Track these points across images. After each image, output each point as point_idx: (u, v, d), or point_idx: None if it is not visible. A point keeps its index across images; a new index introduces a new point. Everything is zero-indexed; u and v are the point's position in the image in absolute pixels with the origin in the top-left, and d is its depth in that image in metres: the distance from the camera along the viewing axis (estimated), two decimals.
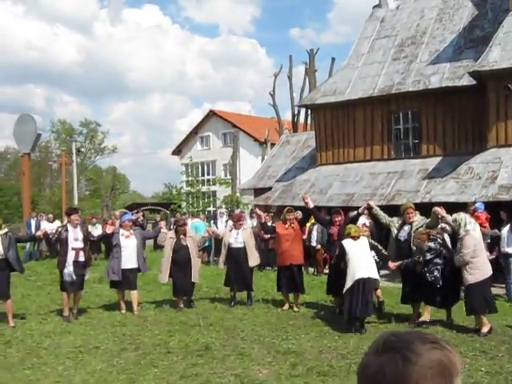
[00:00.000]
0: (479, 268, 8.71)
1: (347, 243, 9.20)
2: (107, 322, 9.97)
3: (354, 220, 10.59)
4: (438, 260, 9.07)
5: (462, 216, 8.98)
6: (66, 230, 10.31)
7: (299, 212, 11.36)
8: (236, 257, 11.47)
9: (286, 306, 10.99)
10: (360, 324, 8.96)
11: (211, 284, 14.07)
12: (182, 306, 11.20)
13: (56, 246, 11.55)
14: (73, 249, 10.18)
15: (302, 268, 11.57)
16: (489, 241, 12.31)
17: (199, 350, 7.96)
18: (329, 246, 10.68)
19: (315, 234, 15.72)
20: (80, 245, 10.34)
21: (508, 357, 7.50)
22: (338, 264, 9.47)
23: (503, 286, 12.94)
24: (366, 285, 8.91)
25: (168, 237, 11.77)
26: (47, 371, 7.14)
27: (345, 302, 9.05)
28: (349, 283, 8.95)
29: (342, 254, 9.20)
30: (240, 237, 11.58)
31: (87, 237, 10.78)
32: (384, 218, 10.08)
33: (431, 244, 9.16)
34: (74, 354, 7.86)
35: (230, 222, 13.22)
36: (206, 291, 13.10)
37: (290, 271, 10.85)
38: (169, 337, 8.77)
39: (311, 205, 10.60)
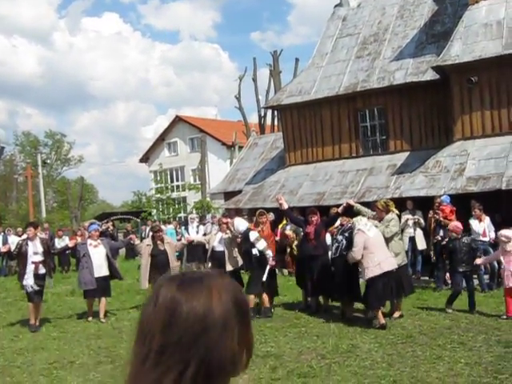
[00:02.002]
0: (373, 265, 8.97)
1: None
2: (81, 335, 9.74)
3: (333, 220, 10.55)
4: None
5: (358, 218, 9.52)
6: (27, 244, 10.56)
7: (271, 214, 11.28)
8: (219, 260, 11.49)
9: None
10: None
11: None
12: None
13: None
14: (32, 262, 10.43)
15: (276, 270, 11.52)
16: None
17: None
18: (303, 245, 10.56)
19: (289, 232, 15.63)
20: (39, 258, 10.59)
21: (486, 347, 7.53)
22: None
23: (475, 276, 13.07)
24: None
25: (145, 244, 11.95)
26: None
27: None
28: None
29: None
30: (223, 240, 11.68)
31: (48, 250, 10.91)
32: (367, 213, 10.06)
33: (339, 237, 9.85)
34: (48, 371, 7.64)
35: (216, 226, 13.28)
36: None
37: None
38: None
39: (285, 206, 10.50)
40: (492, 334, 8.20)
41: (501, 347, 7.46)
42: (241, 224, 11.11)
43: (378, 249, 9.08)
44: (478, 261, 10.14)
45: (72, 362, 7.99)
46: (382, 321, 8.87)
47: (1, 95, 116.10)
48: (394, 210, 10.08)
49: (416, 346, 7.74)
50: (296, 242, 10.33)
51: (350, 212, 10.11)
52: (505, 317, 9.06)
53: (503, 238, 9.57)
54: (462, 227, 10.39)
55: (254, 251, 10.39)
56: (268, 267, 10.29)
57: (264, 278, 10.26)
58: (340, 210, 10.21)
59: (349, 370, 6.87)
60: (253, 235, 10.43)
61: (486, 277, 12.30)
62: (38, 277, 10.45)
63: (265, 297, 10.41)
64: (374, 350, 7.69)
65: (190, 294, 1.11)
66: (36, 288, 10.35)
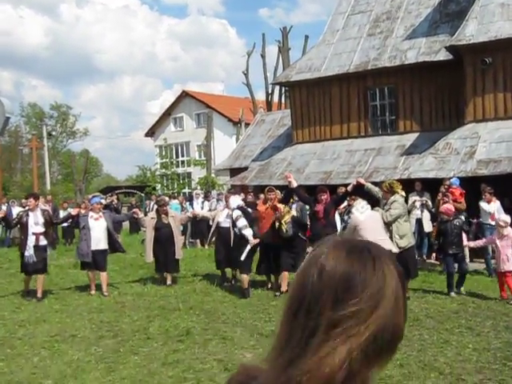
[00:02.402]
0: None
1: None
2: (84, 308, 9.64)
3: (343, 199, 10.36)
4: None
5: (357, 201, 9.77)
6: (27, 215, 10.57)
7: (278, 192, 11.09)
8: (223, 236, 11.39)
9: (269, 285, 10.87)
10: None
11: (189, 266, 13.83)
12: (168, 282, 11.60)
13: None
14: (33, 233, 10.44)
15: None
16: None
17: (180, 335, 7.71)
18: (312, 223, 10.39)
19: (294, 213, 15.46)
20: (40, 229, 10.55)
21: (494, 332, 7.41)
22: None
23: (483, 261, 12.94)
24: None
25: (149, 218, 12.11)
26: (22, 362, 6.81)
27: None
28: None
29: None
30: (229, 217, 11.48)
31: (49, 220, 10.90)
32: (377, 192, 9.87)
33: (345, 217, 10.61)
34: (49, 344, 7.54)
35: (222, 203, 13.22)
36: (184, 274, 12.83)
37: (272, 251, 10.56)
38: (148, 322, 8.50)
39: (294, 184, 10.28)
40: (500, 319, 8.07)
41: (509, 333, 7.34)
42: (234, 201, 11.13)
43: (367, 232, 8.90)
44: (471, 243, 10.30)
45: (74, 336, 7.90)
46: None
47: (7, 66, 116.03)
48: (400, 191, 9.85)
49: (423, 329, 7.61)
50: (286, 218, 10.10)
51: (360, 191, 9.92)
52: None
53: (501, 223, 9.61)
54: (453, 209, 10.31)
55: (236, 230, 10.52)
56: (248, 246, 10.25)
57: (242, 257, 10.24)
58: (349, 188, 9.97)
59: None
60: (235, 213, 10.54)
61: (494, 261, 12.15)
62: (38, 248, 10.43)
63: (245, 277, 10.34)
64: None
65: (363, 264, 1.03)
66: (35, 259, 10.32)
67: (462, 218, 10.84)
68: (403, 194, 10.04)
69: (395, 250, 9.30)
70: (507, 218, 9.75)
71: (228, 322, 8.40)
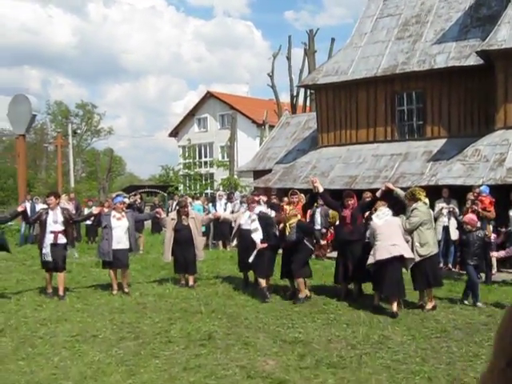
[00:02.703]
0: (375, 251, 9.11)
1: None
2: (105, 308, 9.57)
3: (371, 204, 10.09)
4: None
5: (380, 207, 9.61)
6: (47, 213, 10.61)
7: (302, 195, 10.93)
8: (245, 238, 11.24)
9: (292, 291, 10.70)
10: None
11: (211, 268, 13.73)
12: (183, 282, 11.60)
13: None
14: (51, 232, 10.45)
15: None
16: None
17: (202, 339, 7.59)
18: (339, 229, 10.18)
19: (318, 217, 15.33)
20: (59, 228, 10.52)
21: None
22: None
23: (511, 271, 12.66)
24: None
25: (170, 218, 12.10)
26: (42, 362, 6.74)
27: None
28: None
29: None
30: (251, 219, 11.41)
31: (69, 218, 10.91)
32: (406, 198, 9.68)
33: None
34: (70, 344, 7.47)
35: (244, 205, 13.34)
36: (206, 276, 12.74)
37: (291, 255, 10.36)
38: (169, 325, 8.39)
39: (321, 189, 10.10)
40: None
41: None
42: (258, 208, 11.23)
43: (383, 237, 9.06)
44: (494, 254, 10.10)
45: (95, 336, 7.82)
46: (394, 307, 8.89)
47: (35, 65, 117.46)
48: (422, 198, 9.61)
49: (451, 341, 7.39)
50: (292, 221, 9.96)
51: (389, 196, 9.72)
52: None
53: None
54: (477, 220, 10.14)
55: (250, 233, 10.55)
56: (255, 250, 10.24)
57: (250, 259, 10.24)
58: (378, 193, 9.77)
59: (380, 363, 6.56)
60: (251, 216, 10.69)
61: None
62: (57, 246, 10.44)
63: (260, 280, 10.31)
64: (406, 342, 7.36)
65: None
66: (51, 257, 10.36)
67: (485, 231, 10.56)
68: (426, 201, 9.78)
69: (416, 257, 9.15)
70: None
71: (251, 327, 8.26)
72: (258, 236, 10.28)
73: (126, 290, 10.97)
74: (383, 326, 8.21)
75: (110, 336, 7.85)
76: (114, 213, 11.23)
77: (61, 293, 10.52)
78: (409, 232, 9.36)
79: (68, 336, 7.84)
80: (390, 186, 9.79)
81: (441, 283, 9.79)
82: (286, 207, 10.24)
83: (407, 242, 9.30)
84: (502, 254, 10.07)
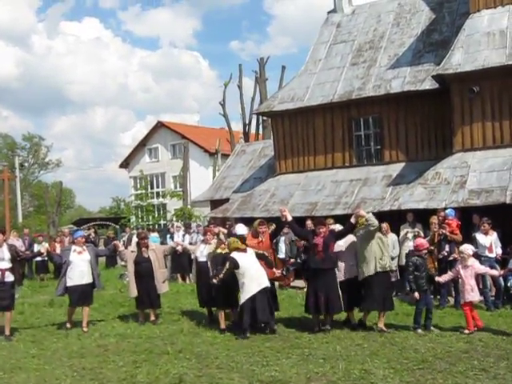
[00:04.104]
0: (340, 270, 9.77)
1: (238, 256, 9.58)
2: (63, 353, 8.85)
3: (347, 232, 9.77)
4: None
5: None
6: None
7: (273, 224, 10.55)
8: (203, 271, 10.80)
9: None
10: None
11: (172, 304, 13.12)
12: (141, 319, 11.11)
13: None
14: None
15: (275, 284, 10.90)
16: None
17: None
18: (310, 257, 9.73)
19: (283, 246, 14.98)
20: (6, 265, 10.06)
21: (511, 374, 6.89)
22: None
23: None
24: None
25: (129, 251, 11.72)
26: None
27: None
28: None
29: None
30: (205, 251, 11.05)
31: (16, 256, 10.43)
32: (374, 222, 9.52)
33: None
34: None
35: (201, 237, 12.66)
36: (167, 312, 12.13)
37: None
38: (135, 368, 7.77)
39: (289, 217, 9.79)
40: None
41: None
42: (240, 229, 10.77)
43: (342, 257, 9.80)
44: (440, 278, 10.06)
45: None
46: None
47: None
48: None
49: (435, 372, 7.04)
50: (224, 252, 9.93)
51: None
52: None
53: (465, 253, 9.67)
54: (427, 244, 10.23)
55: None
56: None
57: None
58: (353, 220, 9.55)
59: None
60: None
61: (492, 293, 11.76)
62: (4, 284, 9.98)
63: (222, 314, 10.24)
64: (389, 376, 6.97)
65: None
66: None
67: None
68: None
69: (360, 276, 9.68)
70: (467, 247, 9.83)
71: (222, 366, 7.72)
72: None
73: (85, 329, 10.47)
74: (362, 359, 7.81)
75: None
76: (74, 247, 10.86)
77: (7, 332, 9.99)
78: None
79: None
80: (363, 212, 9.62)
81: (392, 307, 9.95)
82: (230, 239, 9.98)
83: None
84: (445, 277, 10.06)
